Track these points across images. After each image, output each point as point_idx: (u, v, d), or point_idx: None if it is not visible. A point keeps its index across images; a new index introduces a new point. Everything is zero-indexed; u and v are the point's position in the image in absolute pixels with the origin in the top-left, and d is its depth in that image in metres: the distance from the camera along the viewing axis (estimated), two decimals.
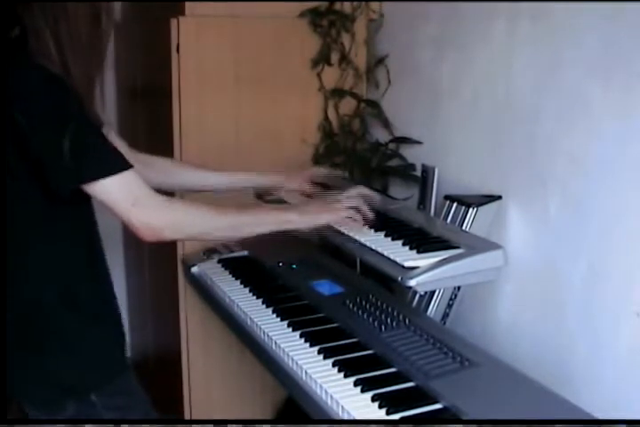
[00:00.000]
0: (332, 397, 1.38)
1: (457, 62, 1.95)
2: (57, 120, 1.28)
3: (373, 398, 1.35)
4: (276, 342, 1.61)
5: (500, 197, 1.79)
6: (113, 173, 1.32)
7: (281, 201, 1.94)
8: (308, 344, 1.59)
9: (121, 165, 1.33)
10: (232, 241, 2.17)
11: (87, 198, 1.39)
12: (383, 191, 2.22)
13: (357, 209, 1.67)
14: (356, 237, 1.68)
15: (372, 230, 1.70)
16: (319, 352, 1.54)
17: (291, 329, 1.66)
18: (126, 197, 1.34)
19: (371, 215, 1.68)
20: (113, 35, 1.43)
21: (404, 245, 1.62)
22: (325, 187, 1.97)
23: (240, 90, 2.19)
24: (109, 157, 1.34)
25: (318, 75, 2.27)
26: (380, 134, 2.29)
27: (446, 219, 1.81)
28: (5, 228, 1.35)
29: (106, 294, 1.48)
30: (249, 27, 2.17)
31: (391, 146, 2.23)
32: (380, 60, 2.27)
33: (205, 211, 1.48)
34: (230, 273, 2.03)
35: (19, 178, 1.33)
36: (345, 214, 1.65)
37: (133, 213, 1.35)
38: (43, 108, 1.28)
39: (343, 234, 1.70)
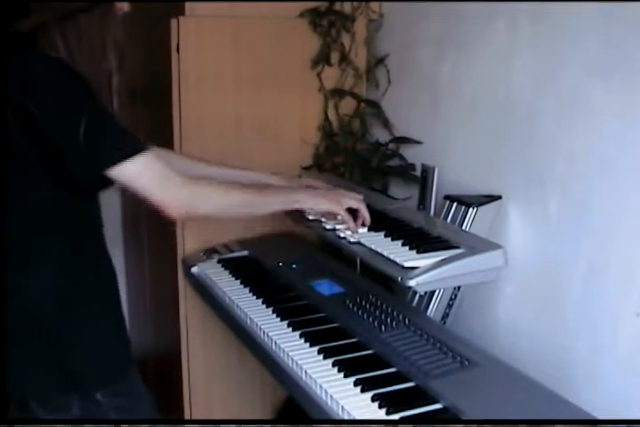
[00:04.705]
0: (331, 397, 1.38)
1: (457, 62, 1.95)
2: (71, 108, 1.28)
3: (373, 398, 1.36)
4: (275, 342, 1.61)
5: (499, 197, 1.79)
6: (134, 155, 1.32)
7: None
8: (307, 344, 1.59)
9: (140, 146, 1.34)
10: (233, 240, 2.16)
11: (97, 192, 1.41)
12: (383, 191, 2.22)
13: (358, 210, 1.69)
14: (348, 237, 1.69)
15: (365, 230, 1.71)
16: (319, 352, 1.54)
17: (291, 329, 1.66)
18: (151, 177, 1.36)
19: (368, 220, 1.70)
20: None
21: (403, 245, 1.62)
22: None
23: (240, 90, 2.19)
24: (127, 139, 1.34)
25: (318, 75, 2.27)
26: (380, 134, 2.29)
27: (446, 219, 1.81)
28: (9, 223, 1.35)
29: (110, 292, 1.48)
30: (249, 27, 2.17)
31: (391, 146, 2.23)
32: (380, 60, 2.27)
33: (223, 188, 1.52)
34: (230, 273, 2.03)
35: (29, 169, 1.33)
36: (347, 206, 1.68)
37: (161, 191, 1.37)
38: (56, 96, 1.28)
39: (335, 230, 1.73)
